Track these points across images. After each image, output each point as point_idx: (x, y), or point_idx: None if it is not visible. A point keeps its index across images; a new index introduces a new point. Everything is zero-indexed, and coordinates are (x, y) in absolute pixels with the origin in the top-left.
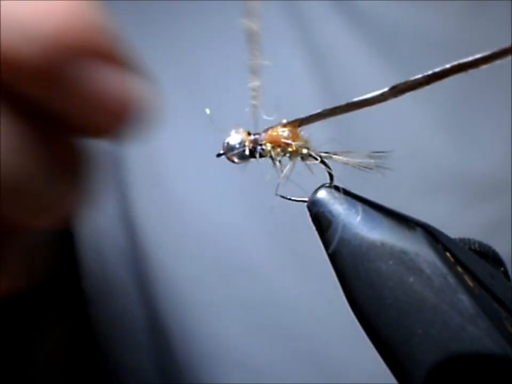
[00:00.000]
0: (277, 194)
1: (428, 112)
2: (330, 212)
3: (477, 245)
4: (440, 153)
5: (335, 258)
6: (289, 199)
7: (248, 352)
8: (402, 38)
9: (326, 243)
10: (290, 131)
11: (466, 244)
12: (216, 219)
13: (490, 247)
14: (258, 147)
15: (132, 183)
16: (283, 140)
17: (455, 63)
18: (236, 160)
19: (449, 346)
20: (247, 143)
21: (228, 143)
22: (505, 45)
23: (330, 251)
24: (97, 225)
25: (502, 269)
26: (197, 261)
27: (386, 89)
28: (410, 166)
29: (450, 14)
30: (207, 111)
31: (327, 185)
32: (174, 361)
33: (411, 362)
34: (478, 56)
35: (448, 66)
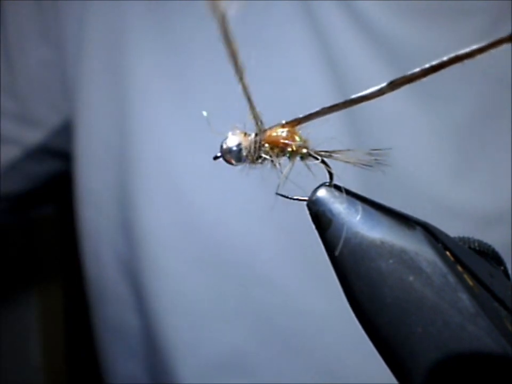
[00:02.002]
0: (276, 194)
1: (432, 140)
2: (330, 210)
3: (476, 244)
4: (440, 182)
5: (334, 257)
6: (289, 198)
7: (257, 363)
8: (414, 55)
9: (326, 242)
10: (289, 131)
11: (466, 242)
12: (226, 226)
13: (490, 246)
14: (256, 148)
15: (138, 187)
16: (282, 141)
17: (452, 55)
18: (233, 162)
19: (449, 345)
20: (244, 145)
21: (225, 145)
22: (502, 35)
23: (330, 250)
24: (97, 230)
25: (502, 267)
26: (205, 269)
27: (384, 84)
28: (408, 193)
29: (463, 35)
30: (204, 113)
31: (327, 184)
32: (171, 372)
33: (411, 361)
34: (474, 47)
35: (445, 58)
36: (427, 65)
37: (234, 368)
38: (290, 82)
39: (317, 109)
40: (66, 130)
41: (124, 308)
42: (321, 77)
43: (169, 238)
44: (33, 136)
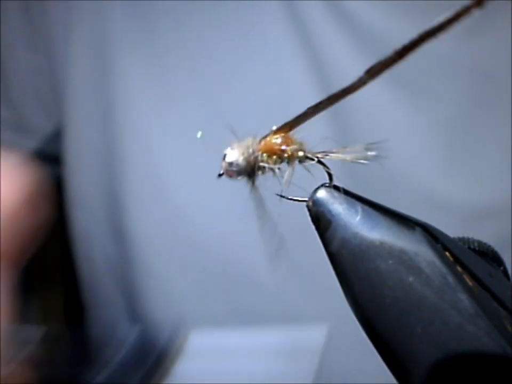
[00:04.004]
0: (276, 194)
1: (420, 136)
2: (329, 211)
3: (476, 244)
4: (428, 179)
5: (334, 257)
6: (289, 198)
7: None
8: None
9: (326, 243)
10: (283, 137)
11: (466, 243)
12: (215, 229)
13: (489, 246)
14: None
15: (127, 190)
16: (277, 147)
17: (422, 31)
18: (236, 177)
19: (448, 346)
20: (243, 158)
21: (225, 161)
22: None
23: (330, 250)
24: (88, 233)
25: (502, 268)
26: (194, 272)
27: (362, 74)
28: (398, 189)
29: (451, 33)
30: (198, 135)
31: (327, 184)
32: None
33: (410, 361)
34: (442, 19)
35: (415, 36)
36: (399, 47)
37: None
38: (274, 82)
39: (303, 110)
40: (60, 136)
41: (115, 311)
42: (306, 76)
43: (158, 241)
44: (30, 143)
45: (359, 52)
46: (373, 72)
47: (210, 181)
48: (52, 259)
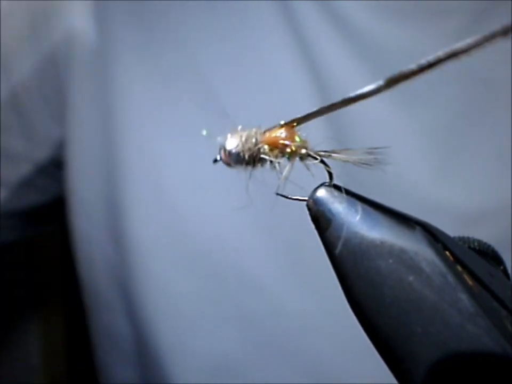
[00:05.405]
0: (276, 194)
1: (414, 140)
2: (329, 210)
3: (476, 244)
4: (423, 182)
5: (334, 257)
6: (289, 198)
7: (248, 366)
8: (395, 56)
9: (326, 242)
10: (288, 132)
11: (466, 242)
12: (215, 232)
13: (489, 246)
14: (256, 150)
15: (127, 195)
16: (281, 142)
17: (448, 50)
18: (232, 165)
19: (448, 345)
20: (243, 147)
21: (224, 147)
22: (496, 28)
23: (329, 250)
24: (89, 239)
25: (502, 267)
26: (194, 275)
27: (381, 82)
28: (395, 192)
29: (443, 35)
30: (204, 132)
31: (327, 184)
32: (164, 377)
33: (410, 361)
34: (469, 41)
35: (441, 54)
36: (423, 61)
37: (225, 371)
38: (270, 84)
39: (315, 108)
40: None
41: (116, 315)
42: (302, 79)
43: (157, 244)
44: (42, 151)
45: (353, 54)
46: (391, 82)
47: (210, 184)
48: (52, 263)
